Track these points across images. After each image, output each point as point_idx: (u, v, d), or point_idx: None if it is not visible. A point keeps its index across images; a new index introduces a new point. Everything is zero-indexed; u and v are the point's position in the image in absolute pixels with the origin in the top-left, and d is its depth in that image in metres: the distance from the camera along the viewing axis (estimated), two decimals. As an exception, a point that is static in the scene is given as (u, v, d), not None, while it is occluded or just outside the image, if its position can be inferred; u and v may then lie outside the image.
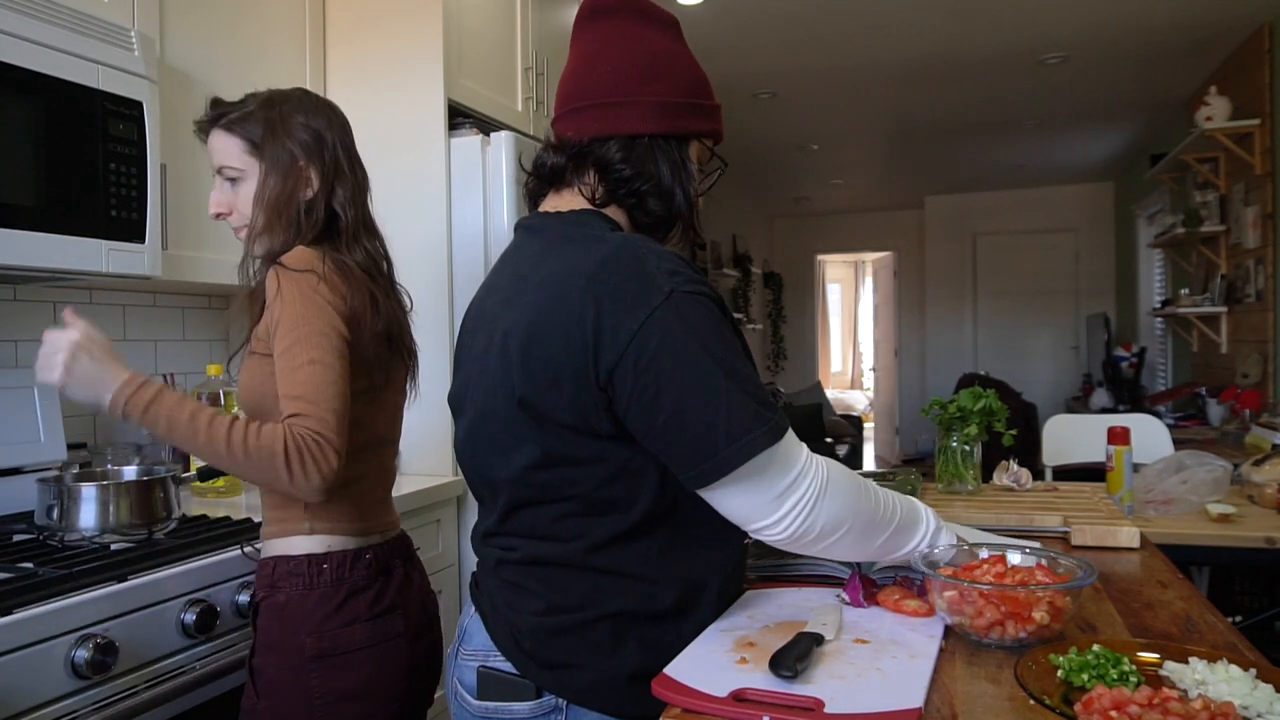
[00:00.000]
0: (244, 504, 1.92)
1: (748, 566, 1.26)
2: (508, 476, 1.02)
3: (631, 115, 1.04)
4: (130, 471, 1.71)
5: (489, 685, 1.04)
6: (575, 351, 0.93)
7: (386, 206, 2.36)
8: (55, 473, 1.74)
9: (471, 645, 1.07)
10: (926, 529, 1.08)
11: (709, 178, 1.15)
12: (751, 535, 0.98)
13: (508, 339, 0.99)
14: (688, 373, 0.91)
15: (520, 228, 1.11)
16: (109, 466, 1.82)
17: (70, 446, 1.93)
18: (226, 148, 1.34)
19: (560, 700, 1.00)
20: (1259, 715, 0.75)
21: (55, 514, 1.49)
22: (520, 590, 1.04)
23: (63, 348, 1.18)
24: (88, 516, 1.49)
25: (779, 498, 0.93)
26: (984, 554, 1.10)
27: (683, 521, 1.02)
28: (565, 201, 1.08)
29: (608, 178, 1.05)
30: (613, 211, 1.07)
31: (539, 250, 1.04)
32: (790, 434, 0.95)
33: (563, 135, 1.07)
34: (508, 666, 1.03)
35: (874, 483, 1.04)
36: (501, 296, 1.05)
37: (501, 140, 2.27)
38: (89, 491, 1.51)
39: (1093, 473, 2.30)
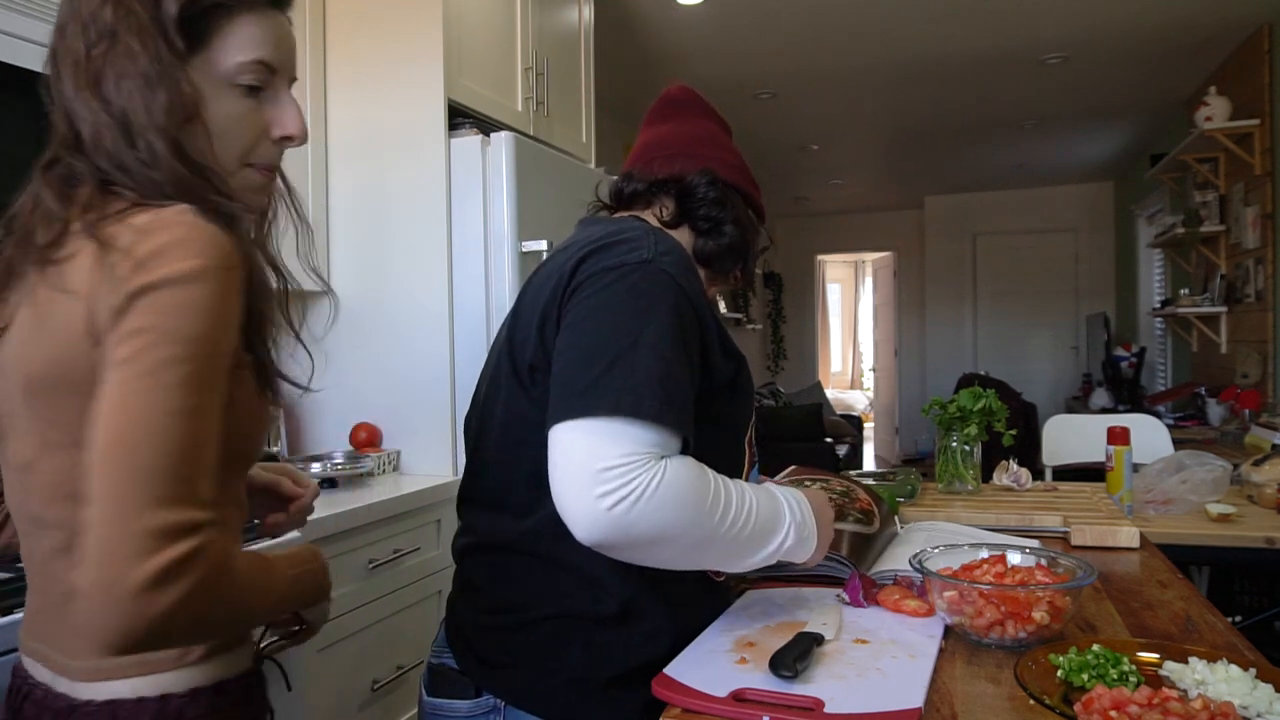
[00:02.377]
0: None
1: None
2: (489, 428, 1.04)
3: (713, 161, 1.15)
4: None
5: (436, 681, 1.05)
6: (554, 292, 0.96)
7: (387, 207, 2.36)
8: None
9: (437, 641, 1.09)
10: (784, 539, 0.97)
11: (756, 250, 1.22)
12: (565, 521, 0.86)
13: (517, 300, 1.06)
14: (607, 321, 0.91)
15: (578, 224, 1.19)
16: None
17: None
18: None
19: (498, 701, 0.99)
20: (1259, 715, 0.75)
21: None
22: (471, 587, 1.06)
23: None
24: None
25: (598, 474, 0.83)
26: (984, 554, 1.11)
27: None
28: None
29: (689, 201, 1.13)
30: (680, 233, 1.13)
31: (573, 235, 1.11)
32: (646, 427, 0.86)
33: (648, 171, 1.16)
34: (454, 663, 1.04)
35: (733, 489, 0.93)
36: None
37: (501, 140, 2.27)
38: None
39: (1093, 473, 2.30)
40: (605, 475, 0.83)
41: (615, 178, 1.20)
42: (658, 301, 0.92)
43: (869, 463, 8.99)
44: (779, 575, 1.24)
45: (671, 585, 1.00)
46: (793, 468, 1.50)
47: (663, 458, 0.86)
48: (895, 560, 1.24)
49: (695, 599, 1.06)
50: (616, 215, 1.15)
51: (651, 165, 1.15)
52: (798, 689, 0.84)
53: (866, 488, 1.38)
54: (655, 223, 1.12)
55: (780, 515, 0.98)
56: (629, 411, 0.85)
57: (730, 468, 1.02)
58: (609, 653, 0.98)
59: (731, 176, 1.15)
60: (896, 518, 1.49)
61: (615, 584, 0.97)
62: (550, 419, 0.89)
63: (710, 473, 0.92)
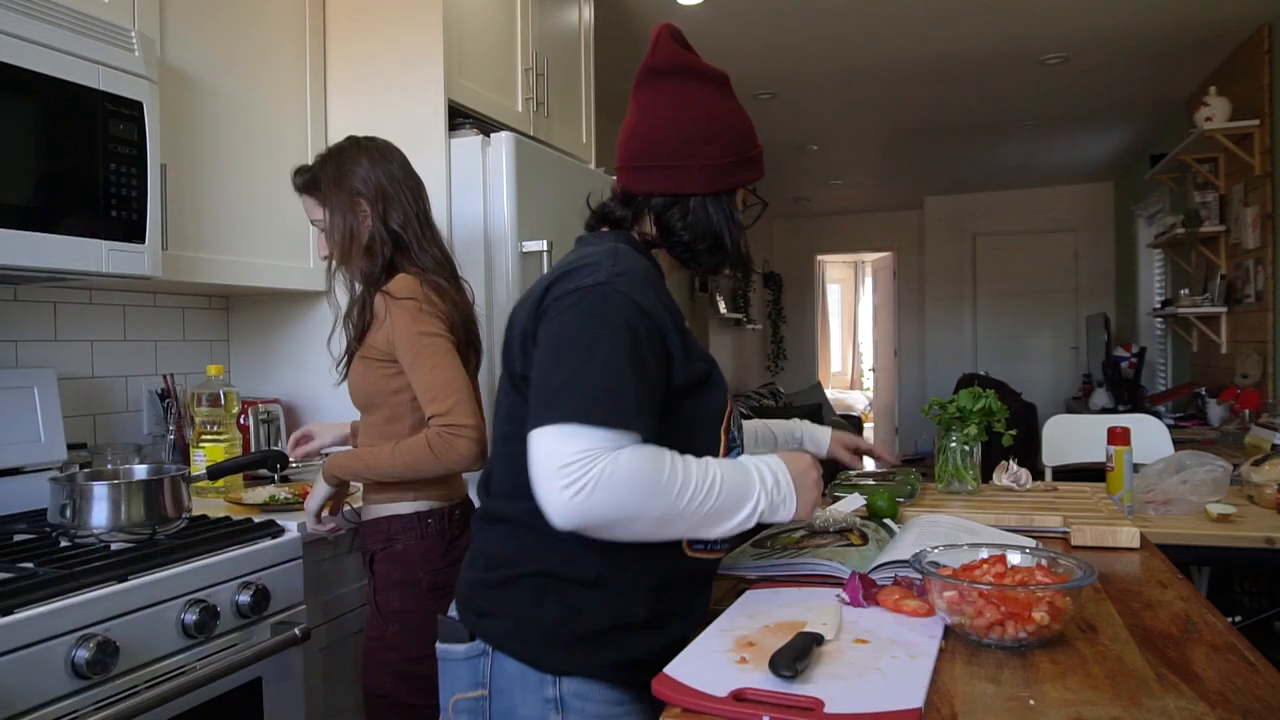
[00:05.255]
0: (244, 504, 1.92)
1: (748, 565, 1.27)
2: (496, 424, 1.21)
3: (688, 178, 1.20)
4: (141, 471, 1.71)
5: (443, 630, 1.20)
6: (530, 313, 1.11)
7: (386, 206, 2.36)
8: (58, 472, 1.75)
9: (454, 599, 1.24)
10: (756, 504, 1.08)
11: (750, 212, 1.29)
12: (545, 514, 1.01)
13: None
14: (567, 342, 1.05)
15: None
16: (108, 466, 1.82)
17: (70, 446, 1.93)
18: (309, 205, 1.71)
19: (487, 645, 1.14)
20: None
21: (68, 513, 1.49)
22: (474, 552, 1.22)
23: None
24: (99, 515, 1.50)
25: (555, 473, 0.98)
26: (984, 554, 1.11)
27: None
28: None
29: (669, 237, 1.23)
30: (660, 253, 1.24)
31: (568, 253, 1.24)
32: (598, 429, 1.00)
33: (627, 187, 1.24)
34: (455, 615, 1.20)
35: (694, 468, 1.04)
36: None
37: (501, 141, 2.27)
38: (101, 490, 1.51)
39: (1093, 473, 2.30)
40: (564, 470, 0.98)
41: (604, 200, 1.28)
42: (610, 319, 1.05)
43: (869, 463, 8.98)
44: (779, 575, 1.24)
45: (648, 558, 1.10)
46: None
47: (617, 449, 0.99)
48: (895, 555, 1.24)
49: (673, 572, 1.13)
50: (602, 231, 1.26)
51: (636, 176, 1.22)
52: (797, 689, 0.84)
53: (859, 529, 1.37)
54: (639, 240, 1.23)
55: (749, 485, 1.09)
56: (580, 418, 1.00)
57: (706, 454, 1.11)
58: (582, 610, 1.10)
59: (707, 186, 1.21)
60: (893, 520, 1.49)
61: (592, 554, 1.09)
62: (528, 425, 1.03)
63: (669, 457, 1.03)
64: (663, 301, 1.11)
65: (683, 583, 1.15)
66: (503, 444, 1.17)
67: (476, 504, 1.28)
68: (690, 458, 1.05)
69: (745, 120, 1.25)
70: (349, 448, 1.84)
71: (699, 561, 1.15)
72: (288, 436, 2.38)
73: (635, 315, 1.06)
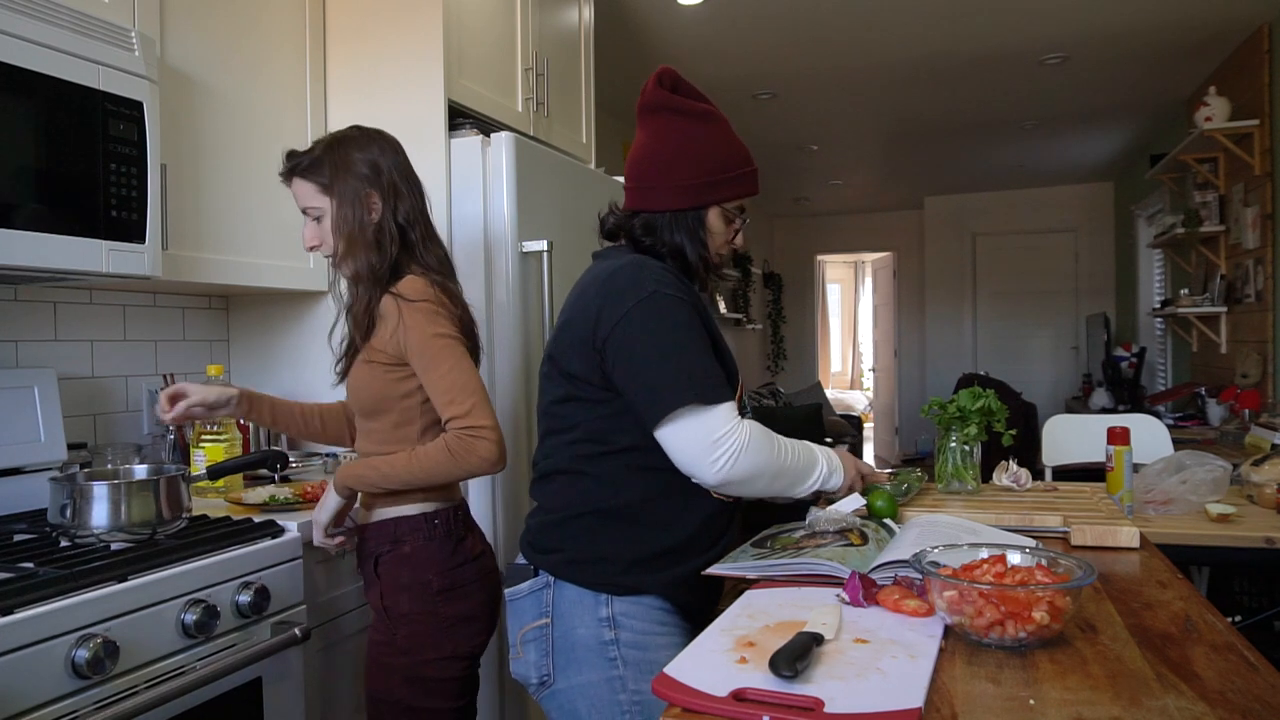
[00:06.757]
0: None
1: (748, 565, 1.27)
2: (541, 410, 1.45)
3: (656, 196, 1.41)
4: (141, 471, 1.71)
5: (509, 575, 1.44)
6: (585, 325, 1.33)
7: (386, 206, 2.36)
8: (58, 472, 1.74)
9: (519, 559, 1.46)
10: (822, 468, 1.41)
11: (734, 225, 1.47)
12: (694, 479, 1.31)
13: (559, 322, 1.44)
14: (653, 347, 1.28)
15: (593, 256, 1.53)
16: (109, 466, 1.82)
17: (70, 446, 1.93)
18: (304, 191, 1.58)
19: (550, 578, 1.36)
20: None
21: (68, 513, 1.49)
22: (535, 504, 1.45)
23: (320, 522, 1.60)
24: (99, 515, 1.49)
25: (712, 446, 1.26)
26: (984, 554, 1.11)
27: (652, 459, 1.33)
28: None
29: (638, 247, 1.44)
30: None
31: (590, 268, 1.47)
32: (724, 405, 1.28)
33: (624, 205, 1.47)
34: (521, 560, 1.42)
35: (782, 438, 1.36)
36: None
37: (501, 141, 2.27)
38: (101, 490, 1.51)
39: (1093, 473, 2.30)
40: (717, 443, 1.26)
41: (608, 212, 1.51)
42: (672, 319, 1.29)
43: (868, 462, 8.97)
44: (779, 575, 1.24)
45: (682, 497, 1.35)
46: None
47: (741, 420, 1.28)
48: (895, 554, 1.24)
49: (706, 509, 1.38)
50: (613, 246, 1.48)
51: (626, 195, 1.45)
52: (798, 689, 0.84)
53: (859, 529, 1.37)
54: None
55: (814, 452, 1.41)
56: (689, 401, 1.25)
57: None
58: (632, 541, 1.34)
59: (672, 203, 1.40)
60: (893, 520, 1.49)
61: (636, 495, 1.34)
62: (646, 422, 1.28)
63: (765, 428, 1.32)
64: (693, 295, 1.37)
65: (712, 518, 1.38)
66: (551, 420, 1.41)
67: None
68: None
69: (723, 148, 1.42)
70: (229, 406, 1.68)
71: (722, 502, 1.40)
72: (288, 438, 2.38)
73: (689, 310, 1.31)
